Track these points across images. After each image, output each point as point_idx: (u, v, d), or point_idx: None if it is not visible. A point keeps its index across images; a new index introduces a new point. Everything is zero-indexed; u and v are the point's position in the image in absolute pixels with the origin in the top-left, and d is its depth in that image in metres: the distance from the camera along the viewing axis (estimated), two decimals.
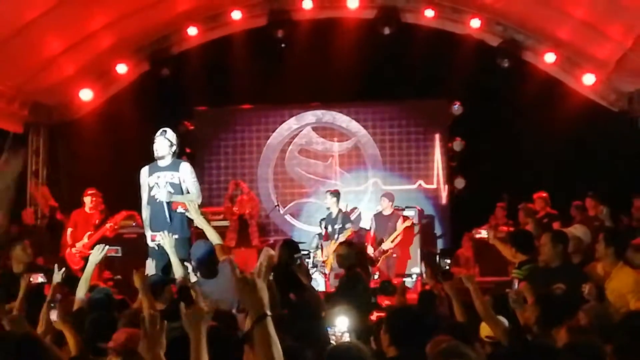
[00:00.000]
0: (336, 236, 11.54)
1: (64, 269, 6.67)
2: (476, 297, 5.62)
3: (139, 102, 14.71)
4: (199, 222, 7.15)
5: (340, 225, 11.64)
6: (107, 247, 6.91)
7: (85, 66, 14.05)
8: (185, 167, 8.45)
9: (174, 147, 8.46)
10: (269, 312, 3.03)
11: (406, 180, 15.13)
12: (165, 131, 8.43)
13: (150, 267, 7.99)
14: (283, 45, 14.63)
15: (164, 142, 8.35)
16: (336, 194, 12.20)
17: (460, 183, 14.65)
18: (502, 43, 14.05)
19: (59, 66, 13.49)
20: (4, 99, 13.35)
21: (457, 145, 14.70)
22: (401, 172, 15.24)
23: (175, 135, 8.57)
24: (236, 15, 14.54)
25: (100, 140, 14.68)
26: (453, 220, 14.71)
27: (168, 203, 8.19)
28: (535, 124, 13.59)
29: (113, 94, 15.07)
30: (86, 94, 14.68)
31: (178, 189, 8.31)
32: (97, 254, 6.75)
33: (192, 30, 14.68)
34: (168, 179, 8.32)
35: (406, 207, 12.93)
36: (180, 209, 7.92)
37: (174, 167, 8.38)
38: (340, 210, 11.95)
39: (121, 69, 14.77)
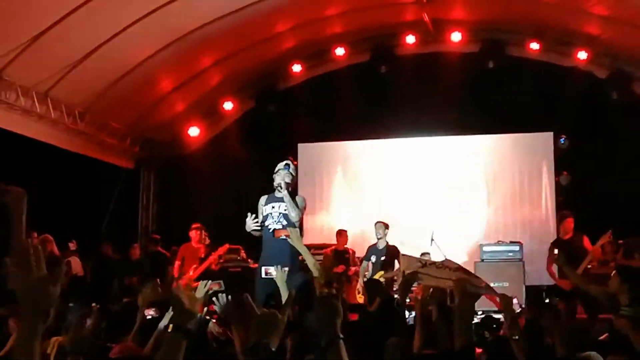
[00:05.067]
0: (378, 268, 11.08)
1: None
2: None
3: (245, 138, 15.07)
4: (301, 250, 6.91)
5: (384, 258, 11.11)
6: (210, 282, 6.80)
7: (193, 103, 14.52)
8: (300, 201, 8.38)
9: (294, 180, 8.54)
10: (341, 335, 2.89)
11: (512, 213, 14.81)
12: (289, 165, 8.44)
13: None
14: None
15: (286, 175, 8.32)
16: (386, 226, 11.49)
17: None
18: (611, 75, 13.76)
19: (169, 104, 13.99)
20: (117, 136, 13.90)
21: (564, 179, 14.34)
22: (508, 204, 14.93)
23: (296, 169, 8.63)
24: (340, 51, 14.78)
25: (207, 175, 15.03)
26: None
27: (272, 231, 8.15)
28: None
29: (220, 130, 15.50)
30: (194, 131, 15.15)
31: (290, 221, 8.20)
32: (201, 290, 6.59)
33: (297, 67, 15.01)
34: (282, 211, 8.26)
35: (510, 242, 12.68)
36: (282, 236, 7.83)
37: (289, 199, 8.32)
38: (387, 243, 11.36)
39: (228, 105, 15.20)
